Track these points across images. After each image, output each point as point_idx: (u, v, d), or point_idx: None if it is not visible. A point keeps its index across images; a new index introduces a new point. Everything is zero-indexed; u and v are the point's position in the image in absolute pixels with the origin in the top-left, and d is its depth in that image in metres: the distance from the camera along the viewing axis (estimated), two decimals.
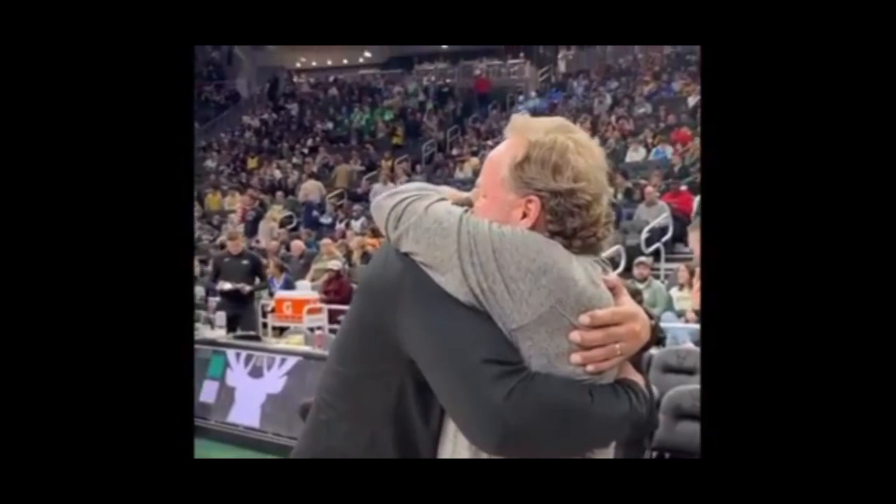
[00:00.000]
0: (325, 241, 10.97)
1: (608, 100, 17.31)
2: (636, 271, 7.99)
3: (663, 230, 9.74)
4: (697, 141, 11.14)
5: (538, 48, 22.85)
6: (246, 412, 6.20)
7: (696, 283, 2.08)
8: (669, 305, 7.71)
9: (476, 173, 1.41)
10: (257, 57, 25.54)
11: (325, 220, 13.99)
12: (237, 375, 6.43)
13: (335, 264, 9.29)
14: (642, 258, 8.41)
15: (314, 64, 27.78)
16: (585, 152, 1.21)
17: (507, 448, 1.13)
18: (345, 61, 27.27)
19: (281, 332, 8.06)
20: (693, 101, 14.45)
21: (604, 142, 12.70)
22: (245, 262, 7.86)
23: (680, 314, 7.51)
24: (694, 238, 2.62)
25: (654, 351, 4.67)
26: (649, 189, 10.36)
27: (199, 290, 8.70)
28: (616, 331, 1.17)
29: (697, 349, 4.84)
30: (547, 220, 1.19)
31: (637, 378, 1.24)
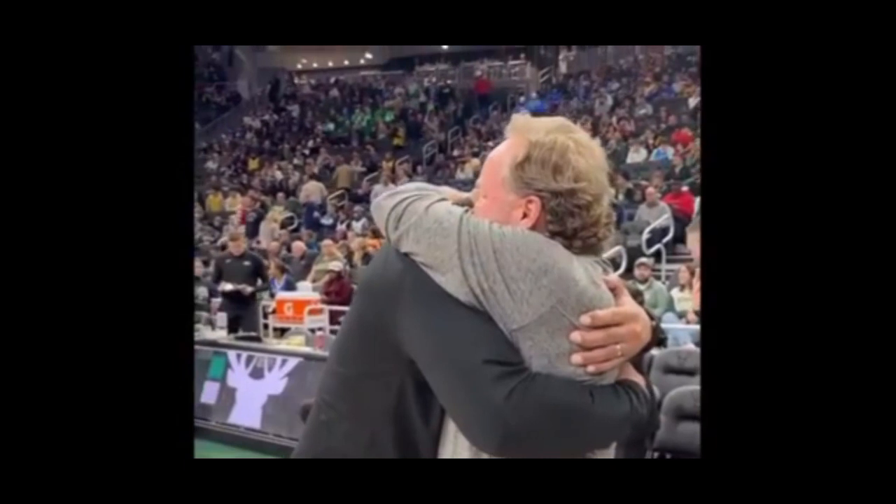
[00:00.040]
0: (327, 242, 10.98)
1: (609, 101, 17.32)
2: (637, 272, 7.99)
3: (664, 231, 9.74)
4: (698, 142, 11.13)
5: (539, 49, 22.86)
6: (247, 413, 6.20)
7: (696, 284, 2.08)
8: (670, 306, 7.71)
9: (477, 174, 1.41)
10: (258, 58, 25.57)
11: (326, 221, 14.00)
12: (238, 376, 6.43)
13: (336, 265, 9.30)
14: (643, 259, 8.42)
15: (315, 65, 27.81)
16: (586, 152, 1.21)
17: (507, 449, 1.12)
18: (346, 63, 27.30)
19: (282, 333, 8.07)
20: (694, 102, 14.46)
21: (605, 143, 12.71)
22: (247, 263, 7.87)
23: (681, 315, 7.52)
24: (692, 239, 2.62)
25: (655, 352, 4.67)
26: (650, 190, 10.36)
27: (202, 291, 8.69)
28: (617, 331, 1.17)
29: (698, 350, 4.84)
30: (547, 220, 1.18)
31: (638, 379, 1.23)
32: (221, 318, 7.51)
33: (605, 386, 1.18)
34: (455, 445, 1.20)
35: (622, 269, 8.33)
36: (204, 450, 5.61)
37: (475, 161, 14.34)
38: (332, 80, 25.17)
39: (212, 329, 7.47)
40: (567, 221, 1.18)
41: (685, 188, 10.55)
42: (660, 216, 9.87)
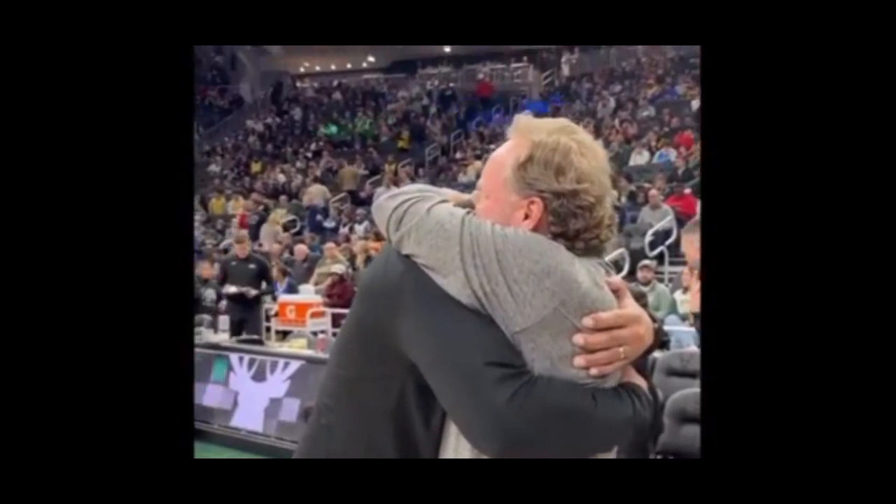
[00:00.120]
0: (329, 244, 10.99)
1: (612, 103, 17.34)
2: (640, 274, 7.99)
3: (667, 233, 9.74)
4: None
5: (542, 52, 22.88)
6: (249, 416, 6.19)
7: (694, 286, 2.08)
8: (673, 308, 7.71)
9: (479, 177, 1.41)
10: (261, 62, 25.62)
11: (329, 224, 14.01)
12: (240, 379, 6.43)
13: (339, 268, 9.32)
14: (646, 261, 8.41)
15: (317, 68, 27.87)
16: (589, 154, 1.20)
17: (509, 452, 1.12)
18: (348, 66, 27.35)
19: (284, 335, 8.07)
20: (697, 104, 14.45)
21: (607, 145, 12.73)
22: (252, 266, 7.87)
23: (684, 317, 7.51)
24: (686, 241, 2.62)
25: (657, 354, 4.66)
26: (653, 192, 10.37)
27: (210, 294, 8.69)
28: (620, 334, 1.16)
29: None
30: (549, 221, 1.18)
31: (640, 382, 1.23)
32: (223, 320, 7.51)
33: (608, 389, 1.17)
34: (456, 448, 1.19)
35: (625, 272, 8.33)
36: (206, 453, 5.61)
37: (478, 163, 14.35)
38: (335, 83, 25.22)
39: (214, 332, 7.47)
40: (569, 223, 1.17)
41: (688, 190, 10.56)
42: (663, 218, 9.88)
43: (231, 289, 7.69)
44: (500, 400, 1.09)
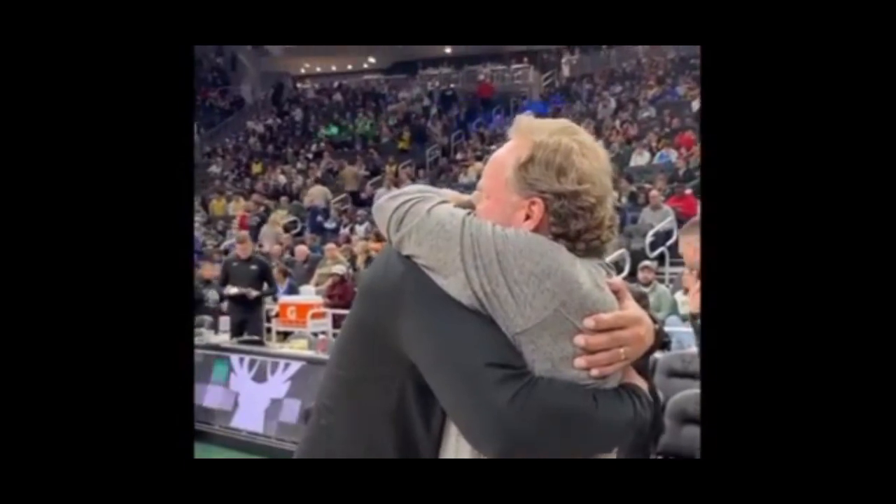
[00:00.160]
0: (330, 245, 11.00)
1: (612, 104, 17.34)
2: (641, 275, 7.98)
3: (668, 234, 9.74)
4: None
5: (542, 53, 22.89)
6: (249, 417, 6.20)
7: (693, 287, 2.08)
8: (674, 309, 7.70)
9: (480, 178, 1.41)
10: (261, 63, 25.63)
11: (330, 224, 14.02)
12: (241, 380, 6.43)
13: (339, 269, 9.32)
14: (647, 262, 8.41)
15: (318, 70, 27.87)
16: (590, 154, 1.20)
17: (510, 452, 1.11)
18: (349, 67, 27.37)
19: (285, 336, 8.06)
20: (697, 104, 14.46)
21: (608, 146, 12.73)
22: (253, 267, 7.86)
23: (685, 318, 7.50)
24: (684, 242, 2.62)
25: (658, 355, 4.66)
26: (654, 193, 10.37)
27: (213, 295, 8.68)
28: (621, 335, 1.16)
29: None
30: (550, 222, 1.18)
31: (641, 383, 1.22)
32: (224, 321, 7.51)
33: (609, 390, 1.17)
34: (456, 449, 1.19)
35: (625, 273, 8.32)
36: (206, 453, 5.62)
37: (478, 164, 14.36)
38: (336, 84, 25.23)
39: (215, 333, 7.47)
40: (570, 223, 1.17)
41: (689, 191, 10.56)
42: (663, 219, 9.88)
43: (232, 290, 7.68)
44: (501, 401, 1.09)
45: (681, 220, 9.65)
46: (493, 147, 15.16)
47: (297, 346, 6.82)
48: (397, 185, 13.84)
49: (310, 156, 19.80)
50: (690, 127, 13.83)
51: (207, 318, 8.40)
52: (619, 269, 8.16)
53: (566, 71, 21.92)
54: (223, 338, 7.21)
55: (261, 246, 12.22)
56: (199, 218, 15.05)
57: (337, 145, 20.37)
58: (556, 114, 16.10)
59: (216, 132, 23.01)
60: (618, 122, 15.76)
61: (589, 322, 1.13)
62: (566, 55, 22.18)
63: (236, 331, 7.34)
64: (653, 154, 13.60)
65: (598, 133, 14.12)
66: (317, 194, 15.12)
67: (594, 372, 1.14)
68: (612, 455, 1.23)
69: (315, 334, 7.55)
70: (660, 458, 3.95)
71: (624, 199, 10.83)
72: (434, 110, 20.65)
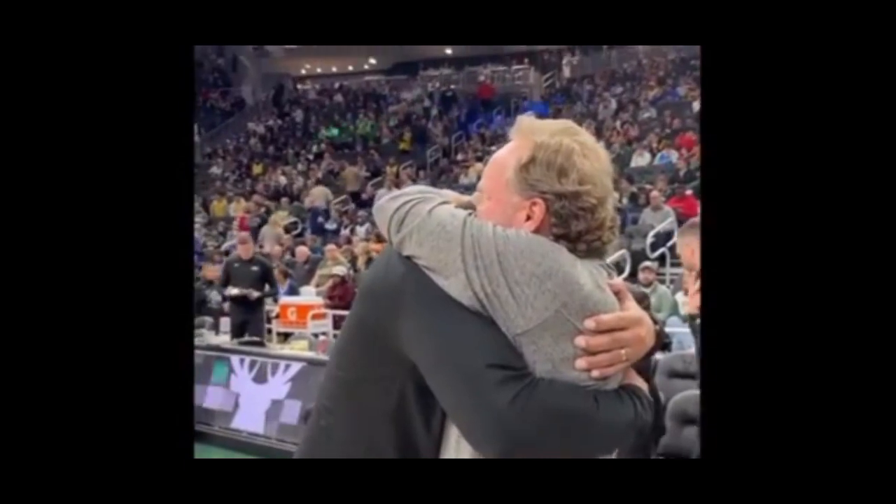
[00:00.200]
0: (330, 246, 11.00)
1: (613, 105, 17.34)
2: (641, 276, 7.98)
3: (668, 235, 9.73)
4: None
5: (543, 54, 22.90)
6: (250, 418, 6.20)
7: (692, 287, 2.08)
8: (675, 310, 7.69)
9: (480, 178, 1.41)
10: (262, 64, 25.64)
11: (330, 226, 14.02)
12: (241, 381, 6.43)
13: (340, 270, 9.32)
14: (647, 263, 8.41)
15: (319, 71, 27.88)
16: (591, 155, 1.20)
17: (510, 454, 1.11)
18: (349, 68, 27.38)
19: (285, 337, 8.06)
20: (698, 105, 14.45)
21: (608, 147, 12.72)
22: (255, 268, 7.84)
23: (685, 319, 7.49)
24: (681, 243, 2.62)
25: (659, 356, 4.66)
26: (654, 194, 10.37)
27: (215, 296, 8.67)
28: (622, 336, 1.16)
29: None
30: (551, 223, 1.18)
31: (641, 384, 1.22)
32: (224, 322, 7.50)
33: (609, 391, 1.17)
34: (457, 450, 1.19)
35: (626, 273, 8.32)
36: (207, 454, 5.61)
37: (479, 165, 14.36)
38: (336, 85, 25.24)
39: (216, 334, 7.47)
40: (571, 224, 1.17)
41: (689, 192, 10.55)
42: (664, 220, 9.87)
43: (233, 291, 7.68)
44: (502, 402, 1.09)
45: (681, 221, 9.63)
46: (493, 148, 15.19)
47: (298, 347, 6.82)
48: (398, 185, 13.84)
49: (310, 157, 19.81)
50: (691, 128, 13.83)
51: (208, 319, 8.41)
52: (620, 270, 8.15)
53: (567, 72, 21.93)
54: (224, 339, 7.21)
55: (261, 247, 12.22)
56: (199, 219, 15.05)
57: (338, 146, 20.38)
58: (556, 114, 16.12)
59: (217, 133, 23.01)
60: (618, 123, 15.76)
61: (590, 323, 1.13)
62: (567, 56, 22.20)
63: (237, 332, 7.33)
64: (653, 155, 13.60)
65: (598, 134, 14.13)
66: (318, 195, 15.13)
67: (595, 373, 1.14)
68: (613, 456, 1.23)
69: (316, 335, 7.56)
70: (660, 458, 3.95)
71: (625, 200, 10.83)
72: (435, 111, 20.65)
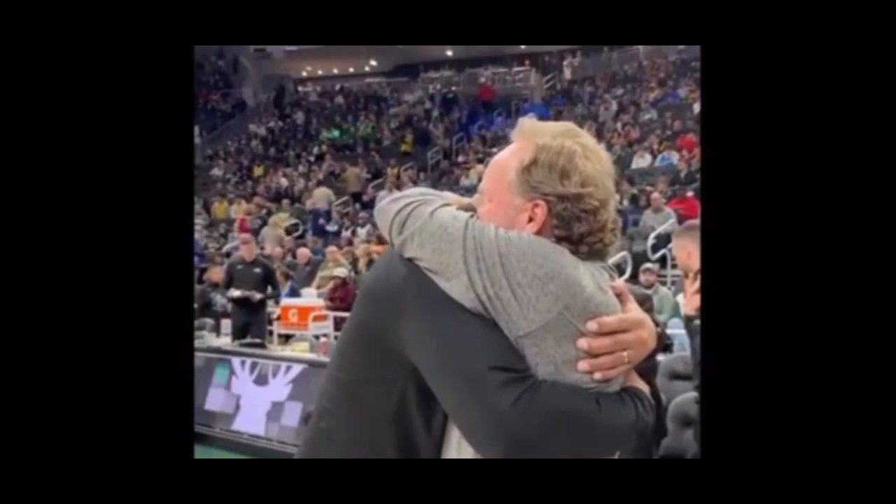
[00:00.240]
0: (331, 248, 11.00)
1: (614, 107, 17.34)
2: (642, 277, 7.97)
3: (669, 237, 9.70)
4: None
5: (543, 55, 22.92)
6: (251, 420, 6.20)
7: (689, 288, 2.08)
8: (676, 312, 7.68)
9: (481, 180, 1.41)
10: (263, 66, 25.67)
11: (331, 227, 14.02)
12: (242, 383, 6.43)
13: (341, 271, 9.32)
14: (648, 264, 8.40)
15: (320, 72, 27.90)
16: (593, 157, 1.20)
17: (512, 456, 1.11)
18: (350, 70, 27.40)
19: (286, 339, 8.06)
20: (699, 107, 14.45)
21: (609, 148, 12.72)
22: (257, 269, 7.84)
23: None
24: (677, 245, 2.61)
25: (661, 357, 4.65)
26: (655, 195, 10.37)
27: (221, 299, 8.66)
28: (624, 338, 1.16)
29: None
30: (553, 225, 1.17)
31: (642, 386, 1.22)
32: (225, 324, 7.49)
33: (611, 393, 1.16)
34: (458, 452, 1.19)
35: (627, 275, 8.31)
36: (208, 456, 5.61)
37: (480, 167, 14.36)
38: (337, 87, 25.26)
39: (217, 336, 7.47)
40: (573, 226, 1.17)
41: (690, 193, 10.55)
42: (665, 221, 9.87)
43: (235, 292, 7.67)
44: (504, 404, 1.09)
45: (682, 223, 9.65)
46: (494, 150, 15.21)
47: (299, 349, 6.82)
48: (399, 187, 13.85)
49: (311, 159, 19.83)
50: (692, 129, 13.84)
51: (209, 321, 8.40)
52: (621, 272, 8.15)
53: (567, 73, 21.95)
54: (225, 340, 7.21)
55: (262, 248, 12.23)
56: (200, 221, 15.06)
57: (339, 148, 20.39)
58: (557, 116, 16.12)
59: (218, 135, 23.03)
60: (619, 125, 15.77)
61: (592, 325, 1.13)
62: (567, 58, 22.22)
63: (240, 334, 7.32)
64: (654, 156, 13.60)
65: (599, 135, 14.14)
66: (320, 196, 15.12)
67: (597, 375, 1.14)
68: (614, 457, 1.22)
69: (317, 337, 7.55)
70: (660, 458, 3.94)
71: (625, 202, 10.83)
72: (435, 113, 20.67)
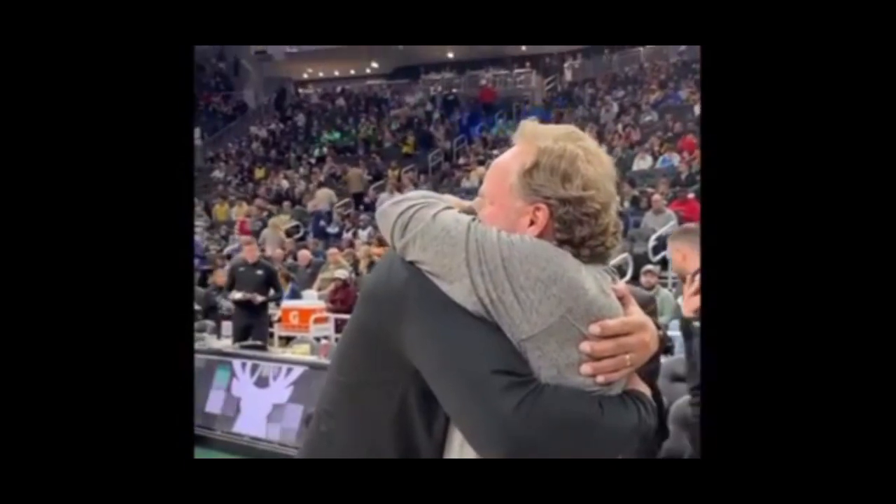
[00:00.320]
0: (332, 250, 11.01)
1: (614, 108, 17.35)
2: (643, 279, 7.96)
3: None
4: None
5: (544, 57, 22.94)
6: (251, 422, 6.20)
7: (687, 290, 2.09)
8: (677, 313, 7.67)
9: (482, 182, 1.41)
10: (264, 68, 25.70)
11: (332, 229, 14.02)
12: (243, 385, 6.43)
13: (342, 273, 9.31)
14: (649, 266, 8.39)
15: (321, 74, 27.94)
16: (595, 161, 1.20)
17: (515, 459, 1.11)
18: (351, 72, 27.44)
19: (287, 341, 8.06)
20: (699, 109, 14.46)
21: (610, 150, 12.74)
22: (260, 271, 7.84)
23: None
24: (672, 248, 2.61)
25: (661, 359, 4.65)
26: (656, 197, 10.37)
27: (226, 302, 8.66)
28: (626, 341, 1.15)
29: None
30: (555, 228, 1.17)
31: (644, 389, 1.22)
32: (226, 326, 7.49)
33: (614, 397, 1.16)
34: (460, 455, 1.19)
35: (628, 277, 8.31)
36: (208, 458, 5.61)
37: (481, 169, 14.36)
38: (338, 89, 25.29)
39: (217, 338, 7.47)
40: (575, 230, 1.17)
41: (691, 195, 10.55)
42: (666, 223, 9.87)
43: (237, 294, 7.67)
44: (507, 408, 1.08)
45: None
46: (495, 152, 15.21)
47: (300, 351, 6.82)
48: (400, 189, 13.86)
49: (312, 161, 19.85)
50: (692, 131, 13.84)
51: (210, 324, 8.40)
52: (622, 274, 8.15)
53: (568, 75, 21.96)
54: (226, 343, 7.21)
55: (262, 250, 12.24)
56: (202, 223, 15.07)
57: (340, 150, 20.41)
58: (558, 118, 16.13)
59: (219, 137, 23.07)
60: (620, 127, 15.77)
61: (594, 328, 1.13)
62: (568, 60, 22.24)
63: (241, 336, 7.32)
64: (655, 158, 13.60)
65: (600, 137, 14.14)
66: (322, 197, 15.12)
67: (600, 378, 1.14)
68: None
69: (318, 339, 7.55)
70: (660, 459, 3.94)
71: (626, 204, 10.84)
72: (436, 115, 20.69)
